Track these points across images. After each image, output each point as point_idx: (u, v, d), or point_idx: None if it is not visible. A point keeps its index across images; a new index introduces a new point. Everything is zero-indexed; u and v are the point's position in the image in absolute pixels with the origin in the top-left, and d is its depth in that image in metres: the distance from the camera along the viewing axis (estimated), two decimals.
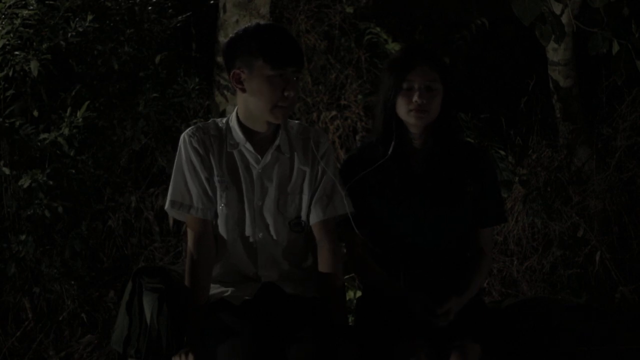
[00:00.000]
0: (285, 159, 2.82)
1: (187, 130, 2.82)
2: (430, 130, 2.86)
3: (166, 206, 2.82)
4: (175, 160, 2.81)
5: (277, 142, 2.80)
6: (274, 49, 2.68)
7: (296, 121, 2.92)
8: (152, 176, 4.53)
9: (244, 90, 2.74)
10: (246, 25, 2.79)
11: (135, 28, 4.41)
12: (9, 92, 4.01)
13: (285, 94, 2.70)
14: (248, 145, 2.79)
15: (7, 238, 3.95)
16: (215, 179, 2.78)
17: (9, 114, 4.02)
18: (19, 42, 3.98)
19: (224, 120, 2.86)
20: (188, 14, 4.64)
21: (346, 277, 4.21)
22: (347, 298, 4.09)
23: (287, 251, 2.82)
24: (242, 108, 2.80)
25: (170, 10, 4.59)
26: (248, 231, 2.79)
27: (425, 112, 2.78)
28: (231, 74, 2.74)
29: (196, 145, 2.78)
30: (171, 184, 2.81)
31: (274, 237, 2.80)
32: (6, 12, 3.95)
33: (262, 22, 2.84)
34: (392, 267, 2.85)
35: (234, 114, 2.84)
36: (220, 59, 4.39)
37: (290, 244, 2.82)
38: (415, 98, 2.78)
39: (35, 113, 4.12)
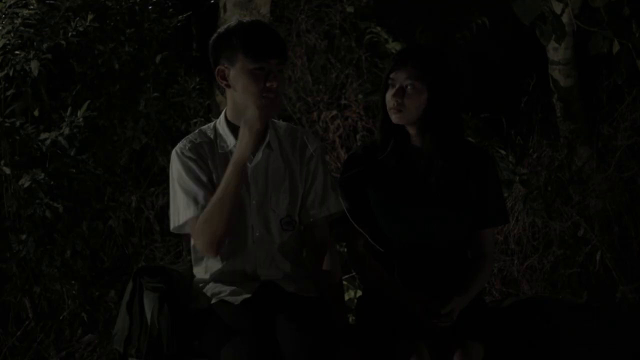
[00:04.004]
0: (276, 157, 2.84)
1: (177, 146, 2.82)
2: (427, 129, 2.86)
3: (172, 227, 2.82)
4: (170, 181, 2.81)
5: (267, 139, 2.82)
6: (253, 42, 2.71)
7: (283, 122, 2.95)
8: (152, 176, 4.53)
9: (228, 86, 2.77)
10: (230, 24, 2.82)
11: (135, 28, 4.41)
12: (9, 91, 4.01)
13: (268, 84, 2.71)
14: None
15: (8, 238, 3.95)
16: (215, 181, 2.78)
17: (10, 113, 4.02)
18: (20, 41, 3.97)
19: (211, 125, 2.88)
20: (188, 13, 4.64)
21: (346, 277, 4.21)
22: (347, 298, 4.09)
23: (283, 249, 2.82)
24: (230, 105, 2.82)
25: (170, 10, 4.59)
26: (245, 230, 2.79)
27: (399, 112, 2.80)
28: (216, 70, 2.77)
29: (190, 154, 2.79)
30: (171, 206, 2.80)
31: (270, 235, 2.81)
32: (7, 12, 3.95)
33: (245, 19, 2.86)
34: (392, 266, 2.86)
35: (221, 117, 2.86)
36: None
37: (284, 242, 2.83)
38: (389, 96, 2.80)
39: (36, 113, 4.12)
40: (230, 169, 2.69)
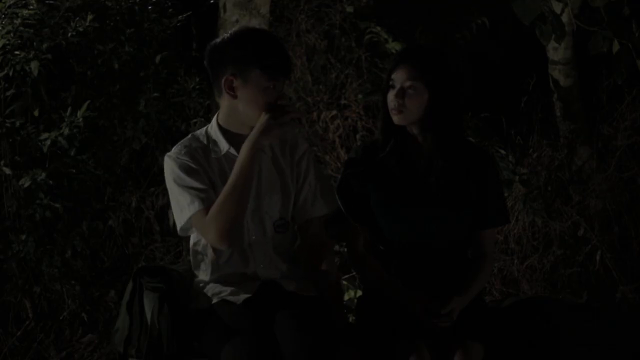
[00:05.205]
0: (267, 160, 2.84)
1: (170, 151, 2.82)
2: (428, 129, 2.86)
3: (179, 229, 2.81)
4: (167, 184, 2.80)
5: None
6: (272, 60, 2.73)
7: None
8: (152, 176, 4.53)
9: (235, 97, 2.75)
10: (234, 31, 2.81)
11: (135, 28, 4.41)
12: (9, 92, 4.01)
13: (279, 102, 2.74)
14: (232, 150, 2.80)
15: (8, 238, 3.95)
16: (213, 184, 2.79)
17: (10, 113, 4.03)
18: (19, 41, 3.97)
19: (203, 131, 2.87)
20: (188, 13, 4.64)
21: (346, 277, 4.21)
22: (347, 298, 4.10)
23: (278, 250, 2.83)
24: (226, 112, 2.81)
25: (170, 10, 4.59)
26: (242, 233, 2.78)
27: (400, 112, 2.80)
28: (223, 80, 2.75)
29: (186, 157, 2.78)
30: (174, 209, 2.79)
31: (266, 237, 2.82)
32: (6, 12, 3.95)
33: (248, 26, 2.87)
34: (392, 266, 2.86)
35: (213, 122, 2.86)
36: None
37: (280, 244, 2.84)
38: (391, 97, 2.81)
39: (36, 113, 4.12)
40: (245, 149, 2.70)
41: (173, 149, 2.83)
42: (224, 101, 2.80)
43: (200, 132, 2.88)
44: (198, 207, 2.72)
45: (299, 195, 2.86)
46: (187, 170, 2.76)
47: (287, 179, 2.86)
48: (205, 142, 2.84)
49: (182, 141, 2.86)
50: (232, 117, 2.80)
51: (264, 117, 2.71)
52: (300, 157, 2.88)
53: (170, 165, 2.79)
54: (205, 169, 2.78)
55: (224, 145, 2.81)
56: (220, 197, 2.70)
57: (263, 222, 2.82)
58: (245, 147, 2.72)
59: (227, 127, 2.82)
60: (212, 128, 2.85)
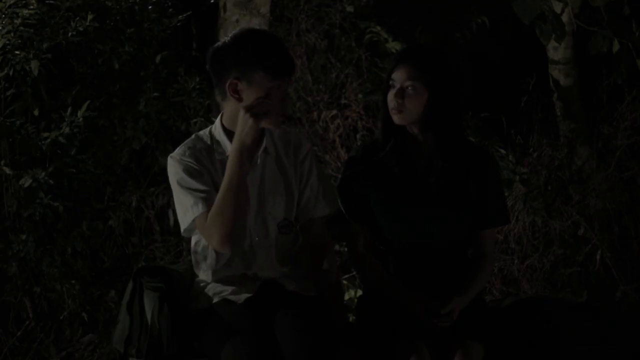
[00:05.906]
0: (272, 161, 2.85)
1: (174, 152, 2.82)
2: (428, 129, 2.86)
3: (183, 230, 2.81)
4: (172, 186, 2.80)
5: (264, 145, 2.83)
6: (273, 60, 2.72)
7: None
8: (152, 176, 4.53)
9: (240, 100, 2.74)
10: (234, 34, 2.81)
11: (135, 27, 4.41)
12: (9, 91, 4.01)
13: (283, 103, 2.74)
14: None
15: (8, 238, 3.95)
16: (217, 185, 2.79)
17: (10, 113, 4.02)
18: (20, 41, 3.97)
19: (207, 132, 2.87)
20: (188, 13, 4.64)
21: (346, 276, 4.22)
22: (347, 297, 4.10)
23: (280, 251, 2.84)
24: (230, 114, 2.80)
25: (170, 10, 4.58)
26: (245, 235, 2.79)
27: (400, 112, 2.80)
28: (227, 83, 2.74)
29: (189, 159, 2.78)
30: (178, 210, 2.78)
31: (268, 239, 2.82)
32: (6, 12, 3.94)
33: (247, 28, 2.90)
34: (391, 266, 2.86)
35: (217, 123, 2.85)
36: None
37: (282, 245, 2.84)
38: (390, 97, 2.80)
39: (36, 112, 4.11)
40: (232, 155, 2.70)
41: (176, 150, 2.83)
42: (229, 104, 2.79)
43: (204, 132, 2.88)
44: (202, 209, 2.72)
45: (302, 195, 2.87)
46: (191, 173, 2.76)
47: (291, 179, 2.86)
48: (209, 142, 2.83)
49: (185, 142, 2.85)
50: (235, 118, 2.79)
51: (241, 113, 2.71)
52: (304, 156, 2.88)
53: (174, 167, 2.78)
54: (209, 170, 2.78)
55: (228, 146, 2.80)
56: (217, 201, 2.70)
57: (266, 223, 2.82)
58: (232, 148, 2.72)
59: (231, 128, 2.81)
60: (216, 129, 2.85)
